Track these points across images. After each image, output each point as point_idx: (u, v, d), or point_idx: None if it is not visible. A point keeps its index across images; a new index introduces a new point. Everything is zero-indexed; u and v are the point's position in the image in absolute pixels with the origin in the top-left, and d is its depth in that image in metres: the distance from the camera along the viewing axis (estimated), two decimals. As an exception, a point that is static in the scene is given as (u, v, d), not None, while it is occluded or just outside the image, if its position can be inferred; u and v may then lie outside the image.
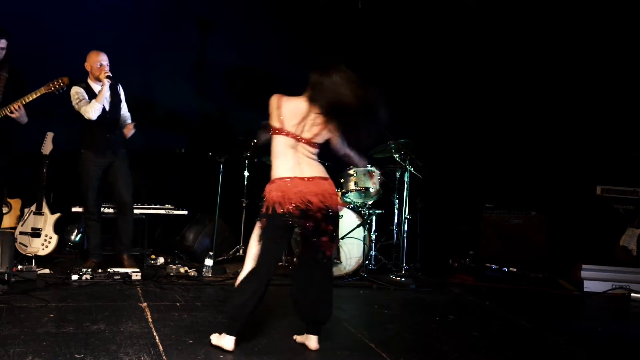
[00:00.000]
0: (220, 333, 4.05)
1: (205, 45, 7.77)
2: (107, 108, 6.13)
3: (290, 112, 4.06)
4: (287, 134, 4.04)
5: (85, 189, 6.16)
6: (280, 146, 4.07)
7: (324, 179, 4.10)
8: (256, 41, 7.81)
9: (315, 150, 4.14)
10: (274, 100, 4.10)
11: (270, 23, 7.95)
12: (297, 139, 4.05)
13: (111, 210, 6.48)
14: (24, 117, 5.96)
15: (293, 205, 3.94)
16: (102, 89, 6.05)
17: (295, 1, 7.91)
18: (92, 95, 6.08)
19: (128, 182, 6.26)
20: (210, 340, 4.07)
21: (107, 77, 6.01)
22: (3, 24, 6.68)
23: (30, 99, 5.88)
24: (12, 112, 5.85)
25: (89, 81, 6.16)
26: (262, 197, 4.07)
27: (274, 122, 4.07)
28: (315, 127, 4.07)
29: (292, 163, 4.05)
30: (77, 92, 6.09)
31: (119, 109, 6.24)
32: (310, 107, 4.05)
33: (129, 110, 6.34)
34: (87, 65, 6.14)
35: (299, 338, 4.29)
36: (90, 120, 6.02)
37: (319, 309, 4.15)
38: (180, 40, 7.63)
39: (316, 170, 4.10)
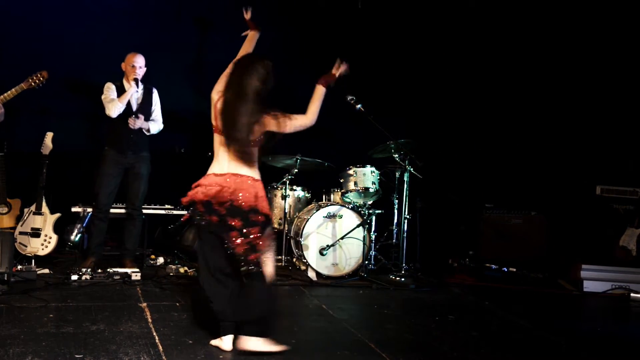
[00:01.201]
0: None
1: (204, 45, 7.76)
2: (134, 109, 6.17)
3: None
4: (221, 132, 4.09)
5: (98, 185, 6.20)
6: (216, 144, 4.13)
7: (241, 175, 4.00)
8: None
9: (249, 149, 4.05)
10: (213, 96, 4.22)
11: (269, 23, 7.92)
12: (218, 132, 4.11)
13: (117, 211, 6.48)
14: (1, 116, 5.91)
15: (199, 201, 3.96)
16: (128, 90, 6.11)
17: (294, 1, 7.91)
18: (122, 94, 6.16)
19: (142, 191, 6.34)
20: (209, 341, 4.09)
21: (134, 79, 6.09)
22: (1, 24, 6.69)
23: (11, 96, 5.82)
24: None
25: (124, 80, 6.23)
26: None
27: (212, 120, 4.15)
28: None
29: (220, 162, 4.07)
30: (107, 87, 6.20)
31: (147, 112, 6.29)
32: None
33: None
34: (123, 66, 6.23)
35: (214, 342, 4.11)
36: (115, 120, 6.11)
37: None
38: (178, 40, 7.61)
39: (235, 167, 4.02)
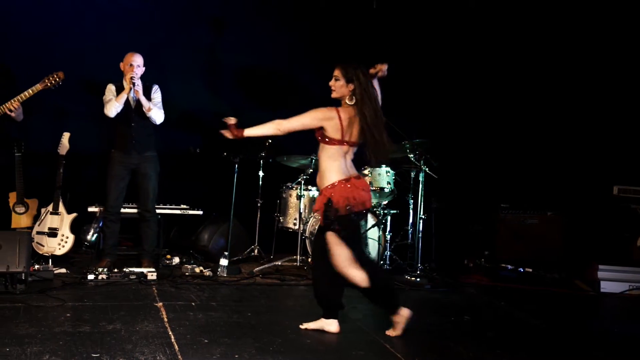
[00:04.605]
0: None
1: (219, 45, 7.79)
2: (133, 107, 6.17)
3: (348, 123, 4.32)
4: (345, 143, 4.34)
5: (107, 188, 6.24)
6: (336, 153, 4.35)
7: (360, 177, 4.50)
8: (269, 41, 7.82)
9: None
10: (333, 112, 4.31)
11: (283, 23, 7.95)
12: (350, 144, 4.37)
13: (129, 211, 6.51)
14: (20, 115, 5.98)
15: (361, 204, 4.34)
16: (125, 89, 6.10)
17: (308, 1, 7.91)
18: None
19: (152, 192, 6.34)
20: (226, 340, 4.11)
21: (131, 78, 6.04)
22: (14, 23, 6.76)
23: (27, 96, 5.88)
24: (10, 111, 5.86)
25: (124, 80, 6.21)
26: (329, 202, 4.29)
27: (334, 134, 4.31)
28: (356, 129, 4.36)
29: (346, 166, 4.38)
30: (108, 88, 6.22)
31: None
32: (356, 112, 4.34)
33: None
34: (121, 65, 6.21)
35: (311, 325, 4.53)
36: (116, 120, 6.14)
37: (339, 293, 4.50)
38: (193, 40, 7.65)
39: (355, 170, 4.48)
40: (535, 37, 8.00)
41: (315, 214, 7.02)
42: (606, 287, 6.68)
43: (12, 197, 6.34)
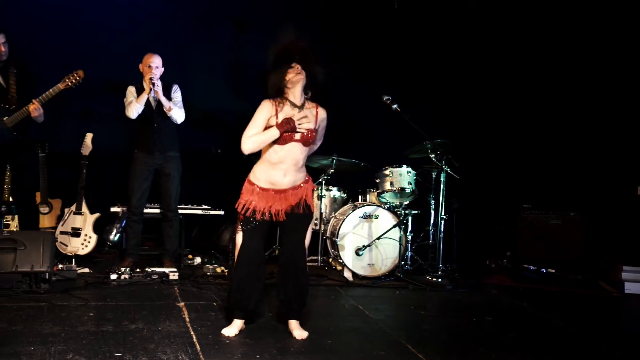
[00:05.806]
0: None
1: (241, 46, 7.80)
2: (154, 108, 6.21)
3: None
4: None
5: (131, 189, 6.27)
6: None
7: None
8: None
9: None
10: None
11: (306, 24, 7.92)
12: None
13: (152, 211, 6.55)
14: (41, 117, 6.03)
15: None
16: (145, 91, 6.13)
17: (331, 2, 7.91)
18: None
19: (174, 192, 6.38)
20: (248, 340, 4.11)
21: (150, 79, 6.08)
22: (37, 25, 6.82)
23: (49, 96, 5.92)
24: (34, 111, 5.91)
25: (143, 82, 6.25)
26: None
27: None
28: None
29: None
30: (128, 90, 6.26)
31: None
32: None
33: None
34: (141, 67, 6.26)
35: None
36: (139, 121, 6.17)
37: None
38: (215, 40, 7.68)
39: None
40: (557, 37, 7.93)
41: (333, 213, 7.03)
42: (630, 288, 6.61)
43: (36, 198, 6.41)
